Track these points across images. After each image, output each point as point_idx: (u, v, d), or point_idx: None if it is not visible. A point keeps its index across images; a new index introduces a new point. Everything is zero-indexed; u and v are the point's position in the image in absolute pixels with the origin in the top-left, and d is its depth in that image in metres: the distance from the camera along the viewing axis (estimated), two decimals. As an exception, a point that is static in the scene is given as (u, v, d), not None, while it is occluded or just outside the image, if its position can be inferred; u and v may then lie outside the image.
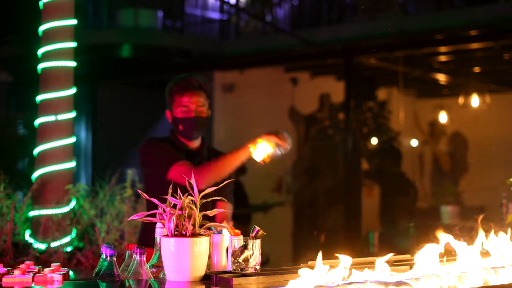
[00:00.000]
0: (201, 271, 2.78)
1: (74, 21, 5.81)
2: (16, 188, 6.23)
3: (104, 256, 2.88)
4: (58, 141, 5.71)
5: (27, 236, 5.66)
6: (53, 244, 5.55)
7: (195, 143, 4.19)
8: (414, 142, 11.90)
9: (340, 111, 11.13)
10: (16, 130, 12.03)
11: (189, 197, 2.78)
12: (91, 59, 10.65)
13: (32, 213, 5.69)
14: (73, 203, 5.73)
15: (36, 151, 5.76)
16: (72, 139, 5.81)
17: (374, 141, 11.05)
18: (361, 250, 7.35)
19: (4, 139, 11.54)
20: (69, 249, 5.62)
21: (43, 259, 5.37)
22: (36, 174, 5.71)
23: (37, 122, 5.75)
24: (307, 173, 11.35)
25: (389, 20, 9.93)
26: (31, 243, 5.60)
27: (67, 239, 5.63)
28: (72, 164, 5.80)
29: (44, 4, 5.80)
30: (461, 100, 11.23)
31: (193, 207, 2.78)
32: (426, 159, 12.48)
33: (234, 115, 11.65)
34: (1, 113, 12.34)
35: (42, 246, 5.57)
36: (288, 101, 11.71)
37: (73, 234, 5.69)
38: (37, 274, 2.78)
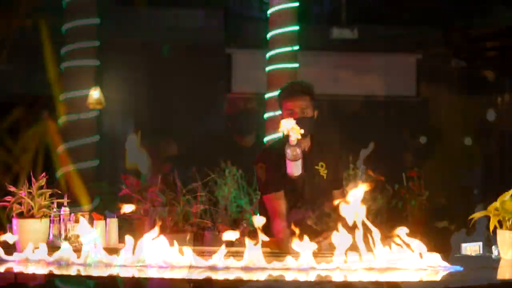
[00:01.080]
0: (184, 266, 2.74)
1: (96, 20, 5.83)
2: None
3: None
4: (82, 139, 5.73)
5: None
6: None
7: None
8: (459, 140, 11.66)
9: (382, 108, 10.97)
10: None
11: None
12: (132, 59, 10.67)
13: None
14: (96, 201, 5.75)
15: (60, 149, 5.79)
16: (96, 138, 5.82)
17: (416, 138, 10.86)
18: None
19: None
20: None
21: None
22: (59, 173, 5.74)
23: (61, 120, 5.78)
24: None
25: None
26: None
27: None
28: (95, 163, 5.81)
29: (67, 3, 5.83)
30: (507, 97, 10.99)
31: (176, 203, 2.75)
32: (472, 158, 12.21)
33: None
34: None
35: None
36: (329, 100, 11.58)
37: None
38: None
